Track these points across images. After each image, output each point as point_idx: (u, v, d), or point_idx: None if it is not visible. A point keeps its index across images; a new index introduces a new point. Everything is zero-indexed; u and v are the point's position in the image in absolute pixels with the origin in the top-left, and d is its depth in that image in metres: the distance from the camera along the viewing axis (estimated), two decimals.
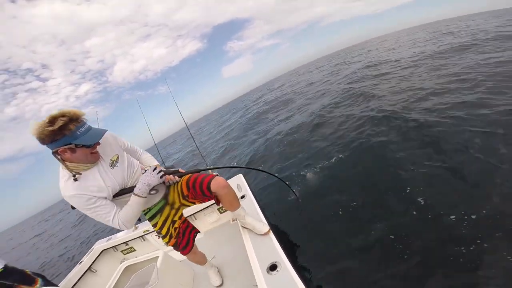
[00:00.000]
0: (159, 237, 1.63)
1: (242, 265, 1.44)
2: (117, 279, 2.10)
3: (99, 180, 1.18)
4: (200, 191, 1.48)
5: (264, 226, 1.60)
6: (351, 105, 6.26)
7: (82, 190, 1.12)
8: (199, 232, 1.80)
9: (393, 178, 2.78)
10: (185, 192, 1.54)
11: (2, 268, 1.90)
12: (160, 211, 1.55)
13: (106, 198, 1.21)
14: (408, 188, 2.49)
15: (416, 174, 2.67)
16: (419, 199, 2.31)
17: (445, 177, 2.48)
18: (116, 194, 1.27)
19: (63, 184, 1.12)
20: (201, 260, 1.91)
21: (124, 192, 1.29)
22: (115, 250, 2.96)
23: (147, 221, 1.60)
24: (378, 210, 2.41)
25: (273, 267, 1.29)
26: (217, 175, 1.55)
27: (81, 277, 2.32)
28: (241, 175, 2.70)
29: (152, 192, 1.35)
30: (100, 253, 2.84)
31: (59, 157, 1.08)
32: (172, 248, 1.66)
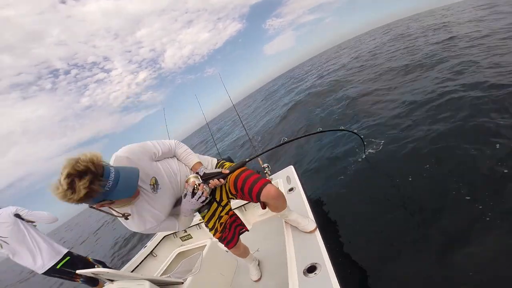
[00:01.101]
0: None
1: (284, 262, 1.31)
2: (169, 263, 2.24)
3: (149, 210, 1.14)
4: (249, 196, 1.37)
5: (311, 224, 1.44)
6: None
7: (142, 227, 1.14)
8: (247, 230, 1.74)
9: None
10: (233, 192, 1.45)
11: (68, 257, 2.14)
12: (208, 206, 1.51)
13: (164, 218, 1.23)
14: None
15: None
16: None
17: None
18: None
19: (127, 223, 1.12)
20: (244, 253, 1.86)
21: (179, 203, 1.32)
22: (175, 236, 3.22)
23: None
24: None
25: (311, 269, 1.14)
26: (269, 183, 1.36)
27: (142, 261, 2.57)
28: (291, 166, 2.59)
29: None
30: (162, 238, 3.12)
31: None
32: None
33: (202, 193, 1.21)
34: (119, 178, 0.89)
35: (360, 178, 2.99)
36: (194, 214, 1.42)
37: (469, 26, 9.46)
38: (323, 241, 1.33)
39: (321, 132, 1.86)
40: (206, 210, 1.48)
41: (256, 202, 1.45)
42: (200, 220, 2.84)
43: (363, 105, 5.41)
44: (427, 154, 2.67)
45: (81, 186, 0.79)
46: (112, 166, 0.93)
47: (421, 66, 6.22)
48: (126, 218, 1.07)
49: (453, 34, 8.32)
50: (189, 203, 1.22)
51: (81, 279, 2.15)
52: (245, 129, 3.53)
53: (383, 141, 3.39)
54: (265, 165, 2.64)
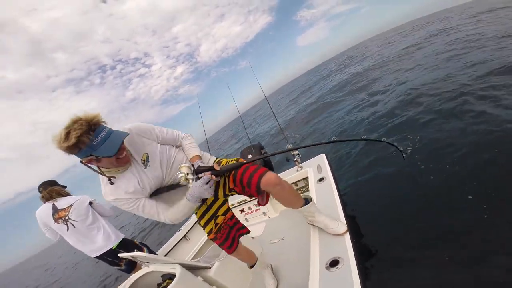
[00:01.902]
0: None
1: (307, 253, 1.27)
2: (199, 248, 2.35)
3: (134, 182, 1.15)
4: (248, 187, 1.28)
5: (340, 226, 1.30)
6: None
7: (119, 194, 1.13)
8: (248, 232, 1.66)
9: None
10: (231, 185, 1.39)
11: (121, 240, 2.37)
12: (202, 201, 1.43)
13: (144, 197, 1.20)
14: None
15: None
16: None
17: None
18: (153, 192, 1.24)
19: (103, 188, 1.14)
20: (248, 259, 1.73)
21: (159, 192, 1.26)
22: (199, 225, 3.35)
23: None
24: None
25: (334, 263, 1.10)
26: (267, 171, 1.29)
27: (176, 244, 2.73)
28: (323, 155, 2.44)
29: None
30: (195, 223, 3.29)
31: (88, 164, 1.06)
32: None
33: (204, 176, 1.17)
34: (108, 137, 1.00)
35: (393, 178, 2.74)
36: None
37: None
38: (351, 237, 1.25)
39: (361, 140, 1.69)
40: (200, 205, 1.43)
41: (256, 196, 1.34)
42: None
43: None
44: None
45: (74, 135, 0.92)
46: (107, 127, 1.03)
47: None
48: (111, 183, 1.11)
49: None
50: (201, 189, 1.15)
51: (124, 263, 2.37)
52: (277, 120, 3.34)
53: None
54: (296, 152, 2.48)
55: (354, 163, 3.54)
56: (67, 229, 2.21)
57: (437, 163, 2.49)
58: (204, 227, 1.51)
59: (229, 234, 1.54)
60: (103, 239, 2.27)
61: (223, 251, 1.84)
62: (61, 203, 2.26)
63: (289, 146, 1.50)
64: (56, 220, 2.20)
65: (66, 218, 2.21)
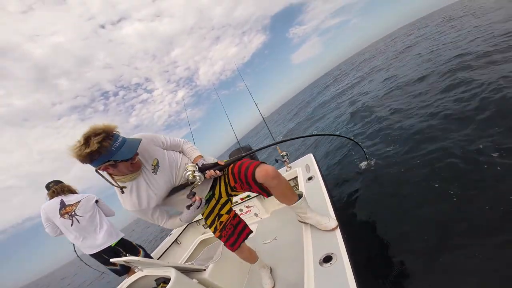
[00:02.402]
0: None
1: (300, 251, 1.30)
2: (192, 251, 2.34)
3: (146, 189, 1.23)
4: (245, 181, 1.35)
5: (331, 221, 1.34)
6: None
7: (136, 206, 1.22)
8: (251, 231, 1.70)
9: None
10: (232, 183, 1.45)
11: (120, 238, 2.45)
12: (207, 201, 1.51)
13: (157, 206, 1.30)
14: None
15: None
16: None
17: None
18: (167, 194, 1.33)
19: (120, 198, 1.23)
20: (250, 258, 1.77)
21: (174, 192, 1.34)
22: (198, 224, 3.34)
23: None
24: None
25: (327, 259, 1.13)
26: (263, 162, 1.37)
27: (168, 248, 2.71)
28: (311, 154, 2.53)
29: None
30: (186, 226, 3.27)
31: (104, 173, 1.12)
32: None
33: (196, 201, 1.27)
34: (125, 142, 1.08)
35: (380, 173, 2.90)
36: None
37: None
38: (341, 232, 1.29)
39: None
40: (206, 206, 1.49)
41: (257, 190, 1.40)
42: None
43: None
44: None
45: (95, 141, 0.98)
46: (120, 135, 1.11)
47: None
48: (122, 192, 1.19)
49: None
50: (191, 213, 1.29)
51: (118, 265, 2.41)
52: (271, 134, 3.38)
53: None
54: (284, 152, 2.61)
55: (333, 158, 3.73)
56: (71, 224, 2.28)
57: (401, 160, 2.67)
58: (210, 226, 1.57)
59: (233, 232, 1.59)
60: (104, 236, 2.35)
61: (217, 252, 1.86)
62: (70, 198, 2.37)
63: (280, 137, 1.58)
64: (62, 215, 2.28)
65: (73, 213, 2.31)
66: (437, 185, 2.16)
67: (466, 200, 1.88)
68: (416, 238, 1.82)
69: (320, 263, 1.13)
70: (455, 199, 1.93)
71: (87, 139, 0.99)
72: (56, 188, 2.37)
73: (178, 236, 2.94)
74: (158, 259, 2.58)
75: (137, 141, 1.13)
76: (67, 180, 2.45)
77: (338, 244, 1.19)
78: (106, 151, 1.01)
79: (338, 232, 1.29)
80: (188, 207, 1.27)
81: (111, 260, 1.68)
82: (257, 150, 1.60)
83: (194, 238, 2.81)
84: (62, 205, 2.31)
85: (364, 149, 3.23)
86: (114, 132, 1.07)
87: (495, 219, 1.64)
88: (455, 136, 2.66)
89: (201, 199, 1.29)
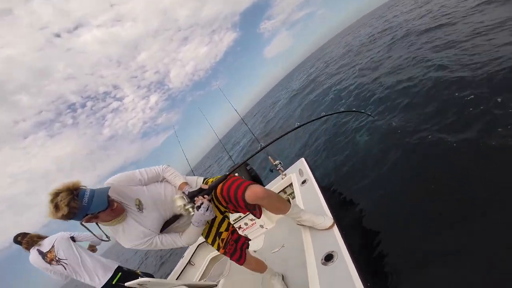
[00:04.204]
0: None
1: (304, 258, 1.36)
2: (204, 269, 2.38)
3: (138, 227, 1.24)
4: (236, 203, 1.38)
5: (327, 220, 1.41)
6: None
7: (134, 241, 1.24)
8: (249, 240, 1.75)
9: None
10: (224, 204, 1.47)
11: (120, 273, 2.35)
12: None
13: (156, 235, 1.29)
14: None
15: None
16: None
17: None
18: (163, 227, 1.32)
19: (118, 238, 1.25)
20: (258, 268, 1.78)
21: (168, 224, 1.34)
22: (208, 243, 3.37)
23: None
24: None
25: (328, 257, 1.17)
26: (251, 183, 1.38)
27: (182, 270, 2.72)
28: (303, 159, 2.61)
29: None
30: (197, 247, 3.30)
31: (88, 224, 1.15)
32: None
33: (203, 204, 1.27)
34: (94, 195, 1.09)
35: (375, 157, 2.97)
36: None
37: None
38: (339, 229, 1.34)
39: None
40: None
41: (249, 211, 1.42)
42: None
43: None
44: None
45: (63, 204, 1.00)
46: (87, 189, 1.13)
47: None
48: (108, 239, 1.23)
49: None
50: (202, 216, 1.27)
51: None
52: (251, 132, 3.52)
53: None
54: (277, 161, 2.66)
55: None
56: (65, 268, 2.21)
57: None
58: (212, 244, 1.58)
59: (236, 248, 1.61)
60: (98, 274, 2.27)
61: (226, 267, 1.92)
62: (44, 246, 2.25)
63: (261, 145, 1.63)
64: (50, 263, 2.20)
65: (57, 259, 2.21)
66: (424, 179, 2.20)
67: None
68: (413, 230, 1.86)
69: (323, 263, 1.16)
70: (440, 191, 1.97)
71: (55, 205, 1.01)
72: (27, 241, 2.26)
73: (191, 257, 2.98)
74: None
75: (106, 189, 1.15)
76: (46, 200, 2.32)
77: (337, 242, 1.23)
78: (78, 209, 1.04)
79: (336, 230, 1.34)
80: (198, 208, 1.26)
81: (126, 284, 1.65)
82: (247, 159, 1.59)
83: (205, 256, 2.83)
84: (42, 254, 2.22)
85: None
86: (78, 188, 1.09)
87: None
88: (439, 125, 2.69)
89: (208, 200, 1.27)
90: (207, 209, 1.26)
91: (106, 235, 1.23)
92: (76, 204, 1.03)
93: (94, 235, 2.54)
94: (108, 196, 1.13)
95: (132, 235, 1.23)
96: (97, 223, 1.19)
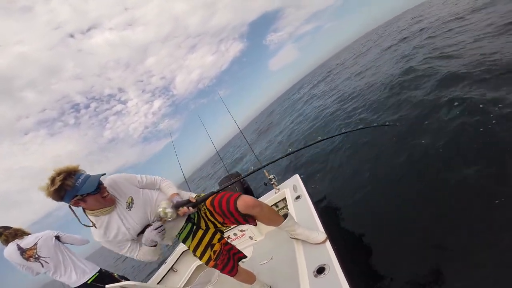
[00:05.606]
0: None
1: (295, 269, 1.37)
2: (189, 276, 2.33)
3: (119, 224, 1.29)
4: (229, 214, 1.41)
5: (320, 235, 1.45)
6: None
7: (106, 237, 1.28)
8: (245, 257, 1.76)
9: None
10: (220, 219, 1.50)
11: (97, 273, 2.33)
12: (190, 234, 1.53)
13: (128, 239, 1.34)
14: None
15: None
16: None
17: None
18: (140, 231, 1.37)
19: (92, 231, 1.29)
20: (248, 279, 1.80)
21: (147, 227, 1.36)
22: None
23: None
24: None
25: (320, 270, 1.20)
26: (241, 194, 1.44)
27: (164, 276, 2.65)
28: (297, 175, 2.65)
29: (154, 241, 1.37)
30: (181, 254, 3.23)
31: (77, 209, 1.21)
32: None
33: (161, 226, 1.33)
34: (88, 178, 1.18)
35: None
36: (161, 248, 1.48)
37: None
38: (332, 244, 1.37)
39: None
40: (191, 239, 1.52)
41: (245, 221, 1.44)
42: None
43: None
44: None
45: (58, 179, 1.10)
46: (85, 173, 1.22)
47: None
48: (95, 226, 1.26)
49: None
50: (148, 233, 1.33)
51: None
52: (251, 149, 3.57)
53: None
54: (272, 176, 2.70)
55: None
56: (43, 266, 2.19)
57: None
58: (201, 257, 1.55)
59: (229, 258, 1.61)
60: (77, 274, 2.26)
61: (214, 276, 1.90)
62: (26, 242, 2.22)
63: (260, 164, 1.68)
64: (27, 259, 2.16)
65: (36, 256, 2.18)
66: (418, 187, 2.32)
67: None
68: (406, 245, 1.92)
69: (315, 275, 1.19)
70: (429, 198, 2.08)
71: (52, 180, 1.11)
72: (9, 233, 2.22)
73: (173, 264, 2.91)
74: None
75: (100, 175, 1.23)
76: (39, 201, 2.30)
77: (329, 255, 1.26)
78: (70, 187, 1.12)
79: (328, 244, 1.37)
80: (147, 226, 1.33)
81: (106, 286, 1.62)
82: (245, 176, 1.66)
83: (190, 264, 2.78)
84: (21, 250, 2.18)
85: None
86: (77, 171, 1.18)
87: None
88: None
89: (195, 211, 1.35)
90: (157, 229, 1.31)
91: (92, 222, 1.26)
92: (70, 182, 1.12)
93: (77, 238, 2.53)
94: (101, 182, 1.21)
95: (106, 230, 1.28)
96: (84, 210, 1.24)
